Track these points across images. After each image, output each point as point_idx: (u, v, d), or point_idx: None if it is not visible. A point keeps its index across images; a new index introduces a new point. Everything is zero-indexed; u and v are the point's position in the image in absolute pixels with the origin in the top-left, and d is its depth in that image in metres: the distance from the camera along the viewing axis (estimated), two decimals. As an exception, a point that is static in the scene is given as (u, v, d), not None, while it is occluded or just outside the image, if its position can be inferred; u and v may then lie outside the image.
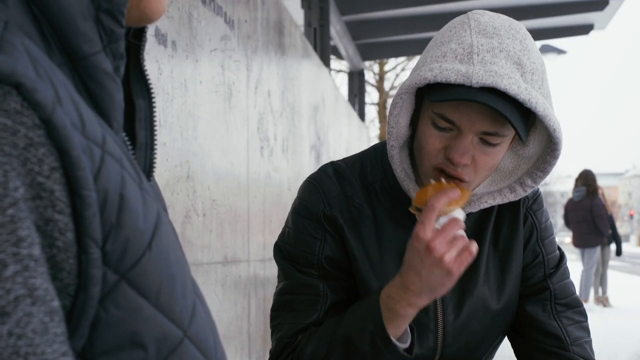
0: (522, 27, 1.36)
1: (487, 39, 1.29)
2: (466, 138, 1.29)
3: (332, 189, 1.43)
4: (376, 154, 1.48)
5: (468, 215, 1.45)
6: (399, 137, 1.38)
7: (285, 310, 1.44)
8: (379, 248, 1.43)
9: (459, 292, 1.45)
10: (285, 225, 1.48)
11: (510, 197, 1.42)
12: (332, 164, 1.48)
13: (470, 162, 1.31)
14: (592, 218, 9.71)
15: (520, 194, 1.42)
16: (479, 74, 1.24)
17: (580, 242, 9.92)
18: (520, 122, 1.28)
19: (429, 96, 1.29)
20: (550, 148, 1.37)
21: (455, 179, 1.32)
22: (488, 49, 1.27)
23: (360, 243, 1.42)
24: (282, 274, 1.46)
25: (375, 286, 1.41)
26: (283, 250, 1.46)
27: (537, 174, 1.40)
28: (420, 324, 1.44)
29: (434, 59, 1.30)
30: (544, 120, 1.29)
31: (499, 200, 1.43)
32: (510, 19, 1.36)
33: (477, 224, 1.48)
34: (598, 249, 9.89)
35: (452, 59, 1.28)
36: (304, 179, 1.50)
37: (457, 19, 1.36)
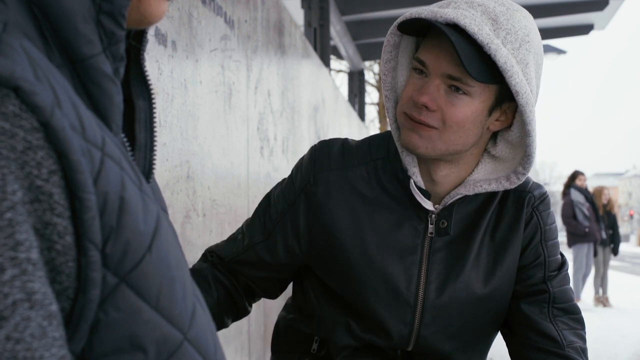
0: (521, 7, 1.39)
1: None
2: (432, 81, 1.35)
3: (324, 164, 1.49)
4: (384, 136, 1.53)
5: (468, 201, 1.47)
6: (395, 90, 1.46)
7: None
8: (370, 221, 1.46)
9: (445, 272, 1.47)
10: (289, 175, 1.57)
11: (505, 185, 1.44)
12: (344, 140, 1.54)
13: (436, 108, 1.35)
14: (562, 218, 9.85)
15: (514, 182, 1.44)
16: (446, 12, 1.31)
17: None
18: (474, 60, 1.29)
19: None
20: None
21: (425, 126, 1.36)
22: (467, 1, 1.35)
23: (346, 217, 1.47)
24: (255, 208, 1.59)
25: (358, 254, 1.46)
26: (272, 191, 1.58)
27: (526, 159, 1.41)
28: (400, 298, 1.46)
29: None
30: (505, 75, 1.30)
31: (493, 187, 1.44)
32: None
33: (476, 211, 1.49)
34: (583, 250, 9.81)
35: (433, 6, 1.37)
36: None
37: None
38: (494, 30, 1.31)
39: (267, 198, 1.57)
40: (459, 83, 1.33)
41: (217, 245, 1.62)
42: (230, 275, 1.58)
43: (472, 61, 1.28)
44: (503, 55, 1.28)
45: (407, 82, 1.40)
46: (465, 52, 1.28)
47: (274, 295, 1.63)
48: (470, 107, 1.35)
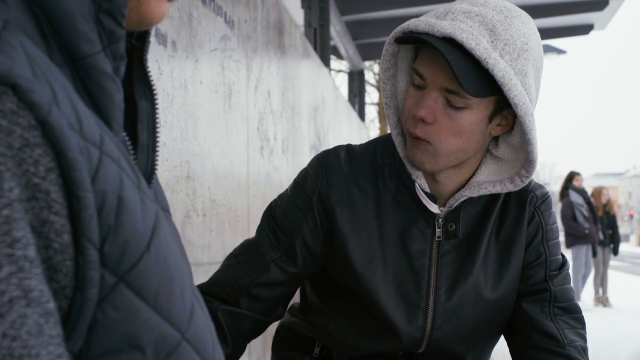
0: (519, 10, 1.38)
1: (471, 6, 1.34)
2: (430, 94, 1.34)
3: (336, 169, 1.48)
4: (388, 140, 1.52)
5: (473, 203, 1.47)
6: (395, 97, 1.45)
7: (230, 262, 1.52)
8: (378, 227, 1.46)
9: (454, 275, 1.48)
10: (286, 190, 1.53)
11: (510, 187, 1.44)
12: (347, 146, 1.53)
13: (432, 121, 1.34)
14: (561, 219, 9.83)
15: (518, 184, 1.43)
16: (443, 25, 1.29)
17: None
18: (471, 76, 1.28)
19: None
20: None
21: (422, 140, 1.36)
22: (464, 12, 1.33)
23: (357, 222, 1.46)
24: (257, 228, 1.53)
25: (368, 260, 1.45)
26: (272, 208, 1.52)
27: (529, 163, 1.41)
28: (412, 302, 1.47)
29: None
30: (503, 88, 1.29)
31: (498, 189, 1.44)
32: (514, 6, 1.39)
33: (481, 212, 1.50)
34: (582, 250, 9.79)
35: (430, 16, 1.35)
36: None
37: None
38: (492, 42, 1.29)
39: (270, 215, 1.51)
40: (456, 97, 1.32)
41: (210, 282, 1.52)
42: (229, 316, 1.47)
43: (468, 77, 1.27)
44: (501, 69, 1.27)
45: (406, 95, 1.40)
46: (461, 68, 1.26)
47: (282, 315, 1.56)
48: (469, 119, 1.35)
